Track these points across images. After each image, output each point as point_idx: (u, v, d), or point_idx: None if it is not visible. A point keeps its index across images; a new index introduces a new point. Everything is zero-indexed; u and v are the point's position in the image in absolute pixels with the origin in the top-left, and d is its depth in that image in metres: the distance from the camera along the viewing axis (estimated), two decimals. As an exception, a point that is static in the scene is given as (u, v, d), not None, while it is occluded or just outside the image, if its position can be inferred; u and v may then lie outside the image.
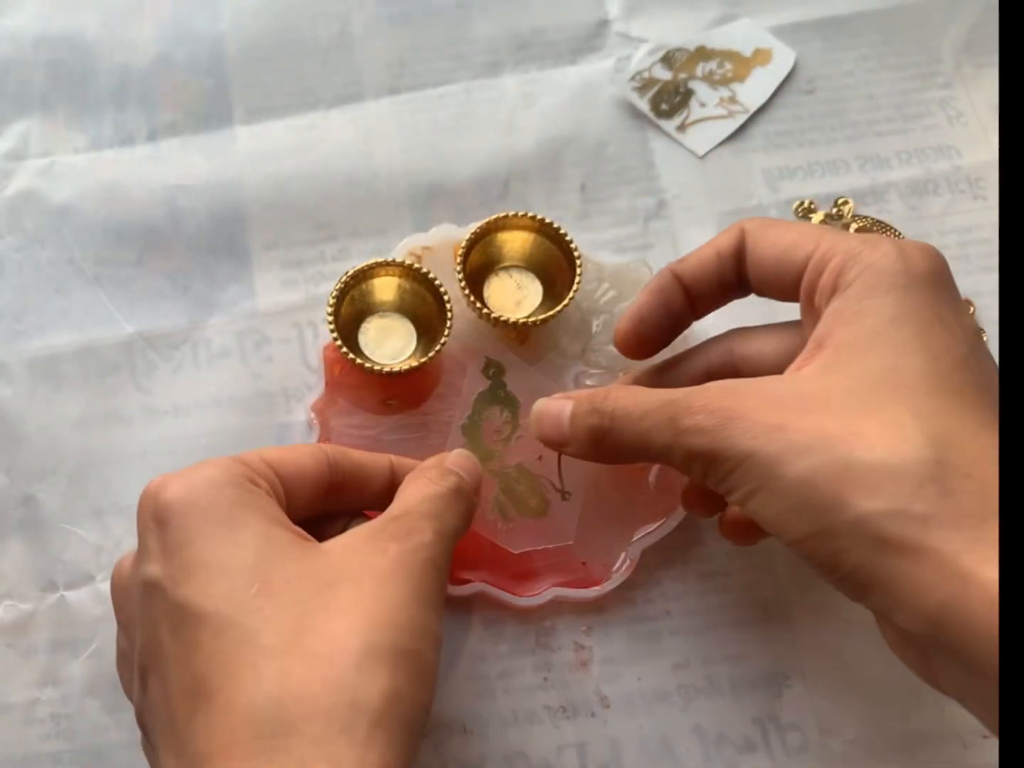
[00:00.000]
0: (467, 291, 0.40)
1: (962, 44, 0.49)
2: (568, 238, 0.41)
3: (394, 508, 0.33)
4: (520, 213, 0.42)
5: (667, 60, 0.48)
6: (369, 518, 0.34)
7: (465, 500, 0.35)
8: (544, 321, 0.40)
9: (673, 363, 0.38)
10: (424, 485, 0.34)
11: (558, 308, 0.40)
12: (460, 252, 0.41)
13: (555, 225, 0.41)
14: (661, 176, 0.46)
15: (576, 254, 0.41)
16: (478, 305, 0.40)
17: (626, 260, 0.44)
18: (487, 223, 0.42)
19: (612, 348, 0.42)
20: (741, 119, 0.47)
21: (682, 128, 0.47)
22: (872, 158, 0.47)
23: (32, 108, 0.48)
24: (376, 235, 0.46)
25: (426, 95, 0.48)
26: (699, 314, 0.37)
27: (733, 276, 0.36)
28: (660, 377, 0.38)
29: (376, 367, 0.39)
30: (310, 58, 0.49)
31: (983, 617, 0.26)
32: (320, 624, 0.28)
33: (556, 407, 0.35)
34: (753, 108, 0.47)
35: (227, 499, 0.31)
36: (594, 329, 0.42)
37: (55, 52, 0.49)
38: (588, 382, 0.41)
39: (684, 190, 0.46)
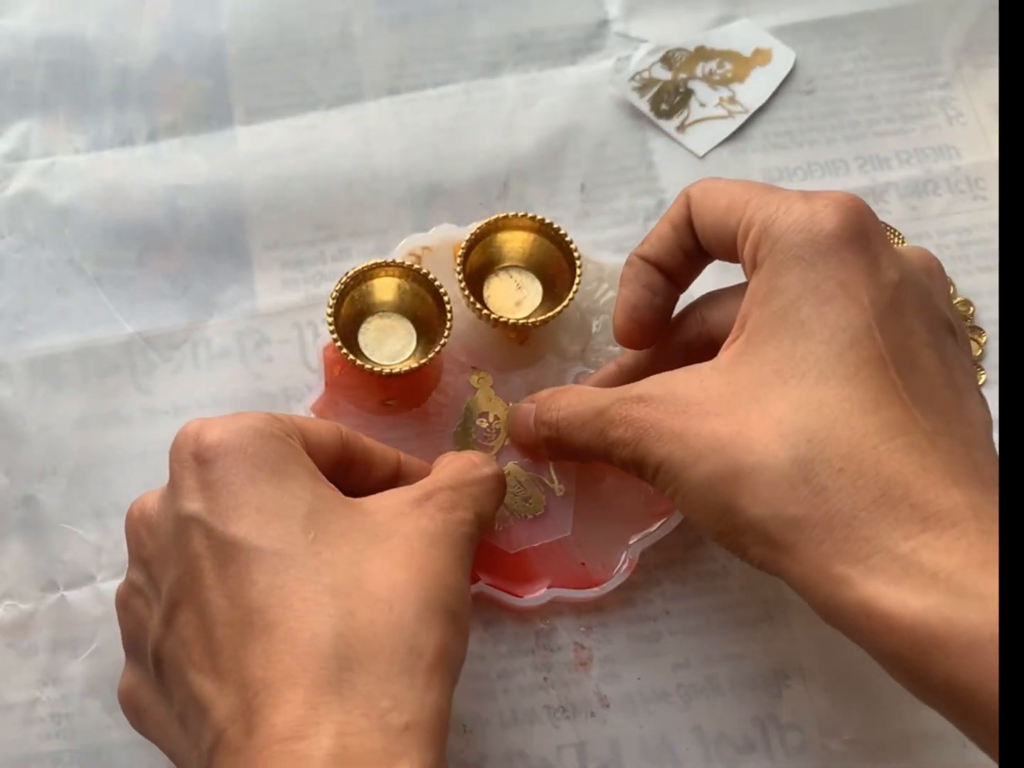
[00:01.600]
0: (467, 291, 0.40)
1: (961, 44, 0.49)
2: (568, 239, 0.41)
3: (438, 480, 0.34)
4: (520, 213, 0.42)
5: (667, 60, 0.48)
6: None
7: (500, 492, 0.36)
8: (544, 322, 0.40)
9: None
10: (469, 465, 0.35)
11: (558, 309, 0.40)
12: (460, 252, 0.41)
13: (555, 225, 0.41)
14: (661, 176, 0.47)
15: (576, 254, 0.41)
16: (478, 306, 0.40)
17: (623, 260, 0.44)
18: (487, 223, 0.42)
19: (612, 348, 0.42)
20: (741, 119, 0.47)
21: (682, 128, 0.47)
22: (871, 158, 0.47)
23: (32, 108, 0.48)
24: (376, 235, 0.46)
25: (426, 95, 0.48)
26: (682, 287, 0.38)
27: (693, 244, 0.36)
28: (640, 362, 0.39)
29: (376, 368, 0.39)
30: (310, 58, 0.49)
31: (857, 625, 0.27)
32: (379, 572, 0.29)
33: (523, 413, 0.38)
34: (753, 108, 0.47)
35: (274, 450, 0.31)
36: (594, 329, 0.42)
37: (55, 52, 0.49)
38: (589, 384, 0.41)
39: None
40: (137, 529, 0.33)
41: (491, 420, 0.41)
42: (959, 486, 0.27)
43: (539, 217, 0.41)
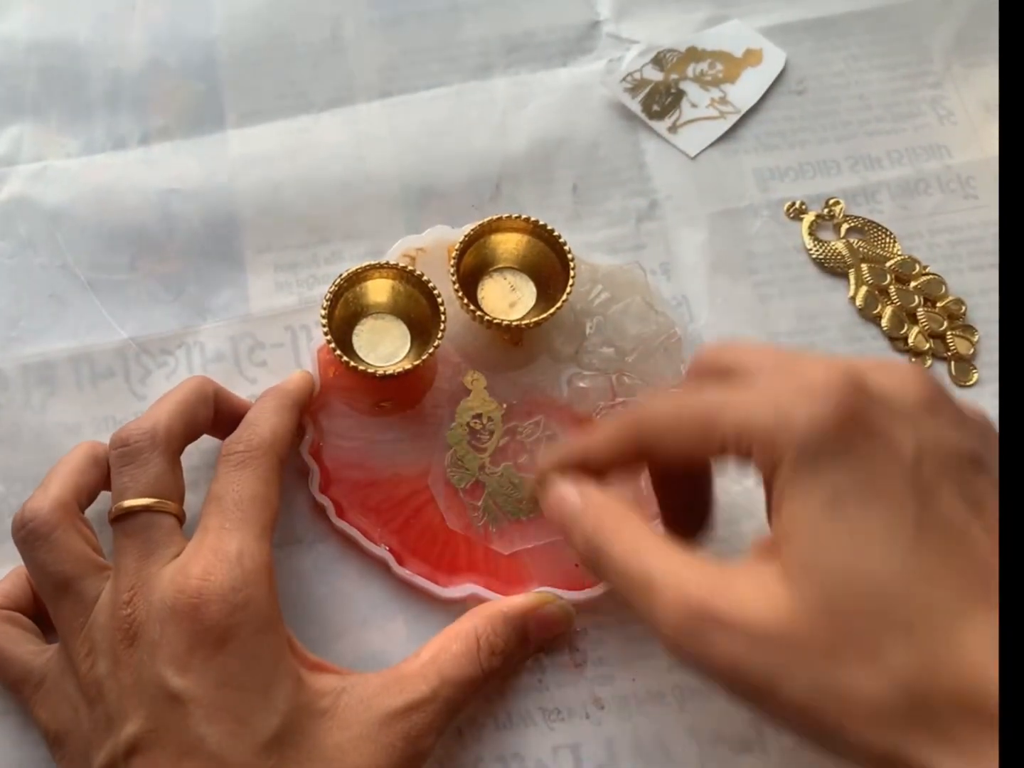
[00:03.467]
0: (460, 293, 0.40)
1: (952, 44, 0.49)
2: (562, 240, 0.41)
3: (425, 677, 0.34)
4: (514, 215, 0.42)
5: (658, 61, 0.48)
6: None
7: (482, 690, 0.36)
8: (538, 323, 0.40)
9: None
10: (465, 661, 0.34)
11: (551, 310, 0.40)
12: (454, 254, 0.41)
13: (548, 227, 0.41)
14: (653, 177, 0.47)
15: (569, 256, 0.41)
16: (471, 307, 0.40)
17: (619, 261, 0.44)
18: (481, 225, 0.42)
19: (605, 350, 0.42)
20: (732, 120, 0.47)
21: (673, 129, 0.47)
22: (863, 158, 0.47)
23: (24, 113, 0.48)
24: (369, 237, 0.46)
25: (418, 97, 0.48)
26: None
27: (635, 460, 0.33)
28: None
29: (370, 369, 0.39)
30: (302, 62, 0.49)
31: None
32: None
33: (562, 504, 0.33)
34: (744, 109, 0.48)
35: (269, 649, 0.32)
36: (588, 331, 0.42)
37: (47, 57, 0.49)
38: (581, 384, 0.41)
39: (676, 191, 0.46)
40: (118, 649, 0.33)
41: (485, 421, 0.41)
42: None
43: (532, 219, 0.41)
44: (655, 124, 0.47)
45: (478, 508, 0.40)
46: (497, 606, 0.36)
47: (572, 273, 0.40)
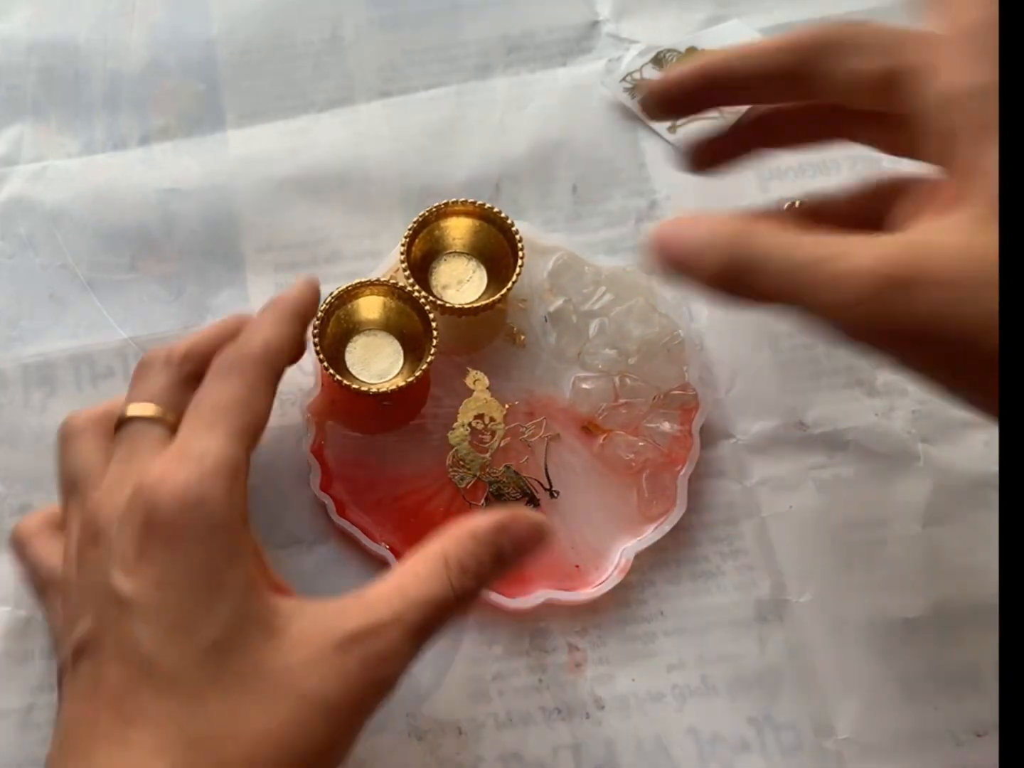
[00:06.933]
0: (411, 280, 0.40)
1: (952, 43, 0.49)
2: (509, 222, 0.41)
3: (387, 600, 0.31)
4: (462, 200, 0.42)
5: (658, 61, 0.48)
6: None
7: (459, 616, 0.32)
8: (489, 305, 0.40)
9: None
10: (433, 582, 0.31)
11: (502, 292, 0.40)
12: (402, 243, 0.41)
13: (495, 210, 0.41)
14: (652, 177, 0.47)
15: (518, 236, 0.41)
16: (422, 293, 0.40)
17: (620, 262, 0.44)
18: (427, 212, 0.42)
19: (608, 352, 0.42)
20: (732, 119, 0.47)
21: (673, 129, 0.47)
22: (863, 158, 0.46)
23: (24, 113, 0.48)
24: (369, 237, 0.46)
25: (417, 98, 0.48)
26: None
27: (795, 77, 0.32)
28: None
29: (364, 387, 0.39)
30: (301, 62, 0.49)
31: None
32: (247, 738, 0.28)
33: (686, 231, 0.30)
34: (743, 108, 0.47)
35: (221, 551, 0.30)
36: (591, 332, 0.42)
37: (47, 57, 0.49)
38: (583, 385, 0.42)
39: (675, 191, 0.46)
40: (85, 548, 0.32)
41: (487, 422, 0.41)
42: None
43: (480, 202, 0.42)
44: (655, 124, 0.47)
45: (479, 508, 0.40)
46: (465, 526, 0.32)
47: (520, 256, 0.40)
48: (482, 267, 0.42)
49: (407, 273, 0.40)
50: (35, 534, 0.37)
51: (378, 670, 0.29)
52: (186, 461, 0.31)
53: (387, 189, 0.47)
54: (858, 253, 0.27)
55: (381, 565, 0.39)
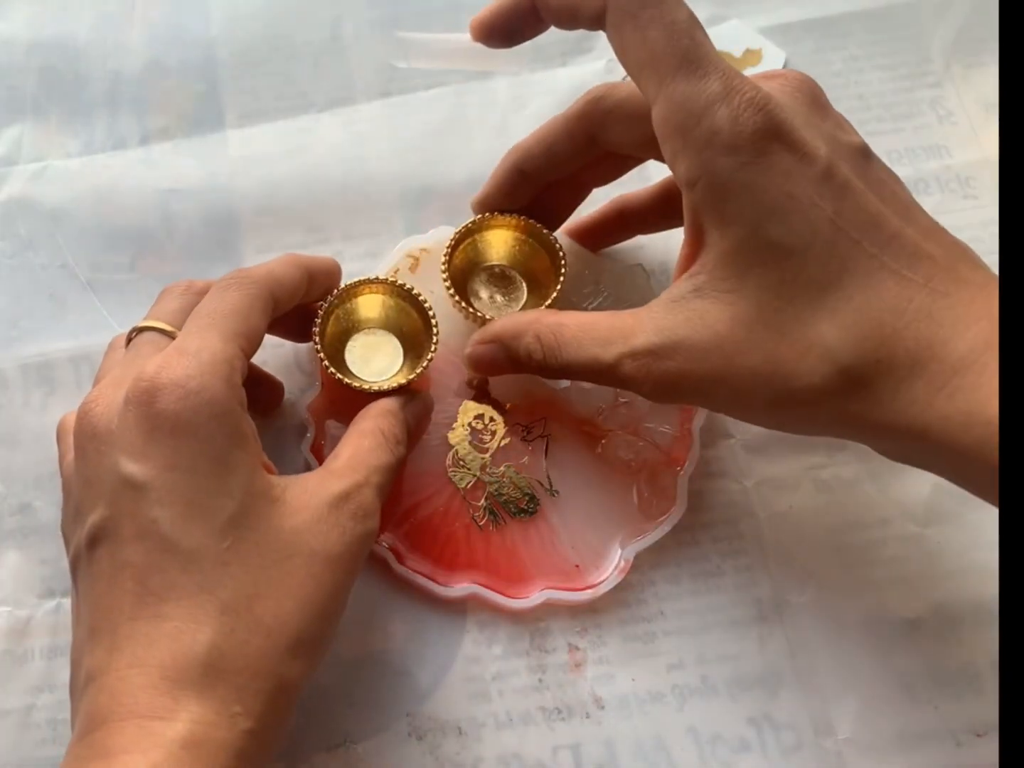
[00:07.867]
0: (452, 291, 0.40)
1: (951, 44, 0.49)
2: (552, 237, 0.41)
3: (369, 468, 0.35)
4: (505, 213, 0.42)
5: (658, 61, 0.48)
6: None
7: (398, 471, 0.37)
8: None
9: None
10: (380, 451, 0.36)
11: (543, 306, 0.40)
12: (444, 253, 0.41)
13: (538, 225, 0.41)
14: (652, 177, 0.46)
15: (560, 252, 0.41)
16: (463, 304, 0.40)
17: (622, 264, 0.44)
18: (471, 223, 0.41)
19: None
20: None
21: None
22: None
23: (25, 113, 0.48)
24: (368, 238, 0.46)
25: (417, 98, 0.48)
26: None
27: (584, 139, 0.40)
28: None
29: (364, 386, 0.39)
30: (301, 62, 0.49)
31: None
32: (271, 596, 0.31)
33: (501, 336, 0.38)
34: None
35: (225, 435, 0.32)
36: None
37: (47, 58, 0.49)
38: (584, 385, 0.41)
39: (675, 191, 0.46)
40: (83, 442, 0.33)
41: (487, 422, 0.41)
42: (968, 323, 0.30)
43: (522, 217, 0.41)
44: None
45: (479, 508, 0.40)
46: (380, 406, 0.37)
47: (562, 268, 0.40)
48: (522, 280, 0.42)
49: (448, 283, 0.40)
50: (69, 431, 0.37)
51: (365, 522, 0.33)
52: (183, 356, 0.32)
53: (387, 189, 0.47)
54: (618, 345, 0.34)
55: (381, 564, 0.39)
